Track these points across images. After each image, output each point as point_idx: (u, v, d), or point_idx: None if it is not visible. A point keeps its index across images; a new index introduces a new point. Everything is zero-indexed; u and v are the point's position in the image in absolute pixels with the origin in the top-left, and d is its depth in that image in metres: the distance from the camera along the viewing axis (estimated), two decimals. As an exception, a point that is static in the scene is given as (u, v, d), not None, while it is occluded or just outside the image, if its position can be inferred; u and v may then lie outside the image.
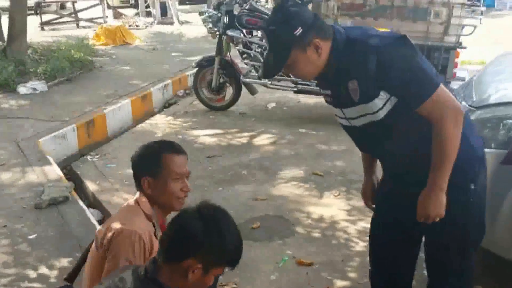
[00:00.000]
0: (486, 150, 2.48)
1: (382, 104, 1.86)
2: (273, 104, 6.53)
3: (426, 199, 1.90)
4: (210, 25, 5.97)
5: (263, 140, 5.36)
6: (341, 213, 3.82)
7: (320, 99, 6.36)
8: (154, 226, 1.98)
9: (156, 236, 1.97)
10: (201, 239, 1.51)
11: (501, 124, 2.50)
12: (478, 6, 5.73)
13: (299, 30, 1.82)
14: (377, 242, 2.29)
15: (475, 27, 5.52)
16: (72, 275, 2.17)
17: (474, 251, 2.08)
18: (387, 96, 1.85)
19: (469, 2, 5.31)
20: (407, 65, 1.82)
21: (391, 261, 2.22)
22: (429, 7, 5.15)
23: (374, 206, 2.34)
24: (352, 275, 3.06)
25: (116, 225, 1.89)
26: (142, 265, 1.67)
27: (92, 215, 3.64)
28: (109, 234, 1.88)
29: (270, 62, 1.91)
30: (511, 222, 2.50)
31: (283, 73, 5.03)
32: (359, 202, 3.93)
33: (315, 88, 5.72)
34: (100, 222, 3.91)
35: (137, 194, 2.04)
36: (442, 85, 1.83)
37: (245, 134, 5.53)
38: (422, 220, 1.94)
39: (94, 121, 5.55)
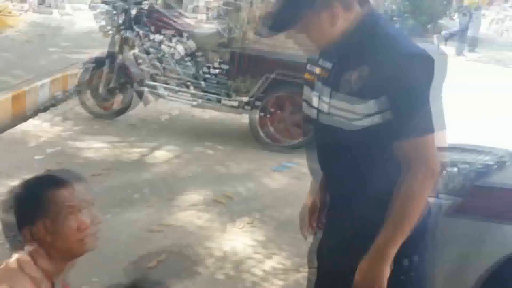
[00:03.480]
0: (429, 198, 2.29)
1: (372, 112, 1.54)
2: (167, 117, 5.98)
3: (369, 266, 1.57)
4: (103, 23, 5.31)
5: (156, 157, 4.82)
6: (248, 249, 3.44)
7: (217, 114, 6.03)
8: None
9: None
10: None
11: (446, 171, 2.27)
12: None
13: None
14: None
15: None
16: None
17: None
18: (380, 108, 1.53)
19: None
20: (425, 90, 1.54)
21: None
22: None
23: (307, 234, 1.96)
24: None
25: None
26: None
27: None
28: None
29: (280, 14, 1.61)
30: (451, 278, 2.31)
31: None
32: (265, 236, 3.62)
33: (215, 104, 5.34)
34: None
35: (17, 254, 1.47)
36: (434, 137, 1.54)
37: (136, 149, 4.94)
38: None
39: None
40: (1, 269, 1.47)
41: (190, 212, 3.85)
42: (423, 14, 13.77)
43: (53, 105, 6.05)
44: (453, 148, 2.39)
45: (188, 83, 5.33)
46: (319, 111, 1.66)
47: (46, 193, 1.46)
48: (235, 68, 5.03)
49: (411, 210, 1.55)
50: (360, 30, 1.59)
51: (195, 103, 5.33)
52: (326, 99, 1.62)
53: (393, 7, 13.98)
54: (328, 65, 1.66)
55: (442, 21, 14.41)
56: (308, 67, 1.75)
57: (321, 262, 1.90)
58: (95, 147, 4.86)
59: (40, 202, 1.46)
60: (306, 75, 1.75)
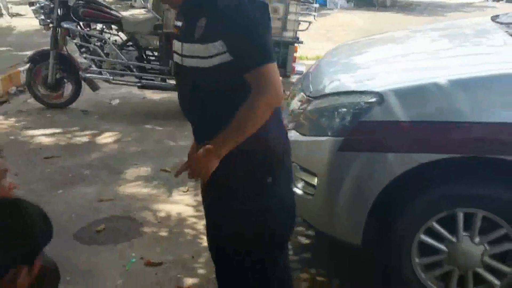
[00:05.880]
0: (323, 138, 2.63)
1: (215, 53, 1.81)
2: (117, 101, 6.27)
3: (203, 155, 1.81)
4: (43, 17, 5.53)
5: (107, 138, 5.11)
6: (189, 209, 3.77)
7: (165, 95, 6.31)
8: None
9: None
10: None
11: (336, 112, 2.61)
12: (312, 3, 6.08)
13: None
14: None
15: (310, 23, 5.86)
16: None
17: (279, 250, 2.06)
18: (223, 49, 1.80)
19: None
20: (258, 28, 1.80)
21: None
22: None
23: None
24: (201, 271, 3.03)
25: None
26: None
27: None
28: None
29: None
30: (349, 207, 2.61)
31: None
32: (208, 196, 3.96)
33: (160, 83, 5.62)
34: None
35: None
36: (276, 66, 1.84)
37: (87, 132, 5.22)
38: (182, 170, 1.91)
39: None
40: None
41: (138, 183, 4.16)
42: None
43: (7, 101, 6.27)
44: (334, 93, 2.74)
45: (132, 67, 5.60)
46: (182, 56, 1.91)
47: None
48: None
49: (250, 121, 1.79)
50: None
51: (139, 84, 5.60)
52: (186, 45, 1.88)
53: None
54: (185, 17, 1.92)
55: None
56: (175, 23, 2.00)
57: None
58: (48, 133, 5.12)
59: None
60: (175, 30, 2.00)
